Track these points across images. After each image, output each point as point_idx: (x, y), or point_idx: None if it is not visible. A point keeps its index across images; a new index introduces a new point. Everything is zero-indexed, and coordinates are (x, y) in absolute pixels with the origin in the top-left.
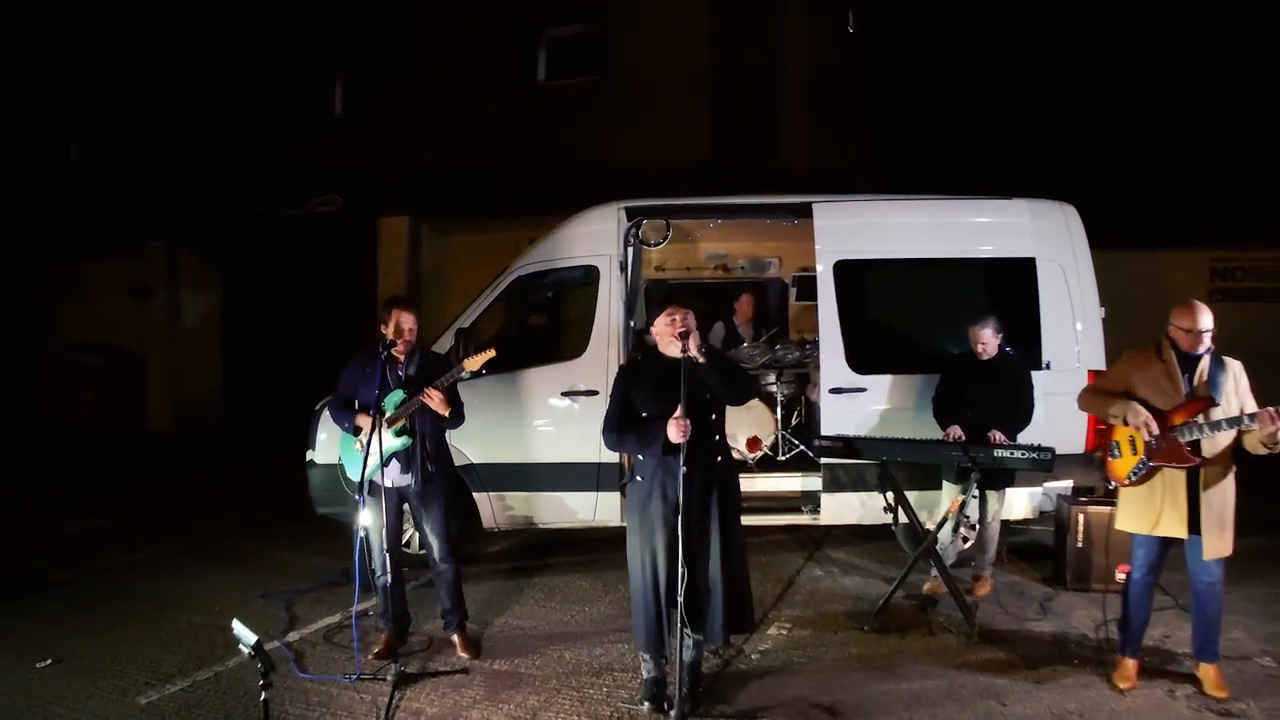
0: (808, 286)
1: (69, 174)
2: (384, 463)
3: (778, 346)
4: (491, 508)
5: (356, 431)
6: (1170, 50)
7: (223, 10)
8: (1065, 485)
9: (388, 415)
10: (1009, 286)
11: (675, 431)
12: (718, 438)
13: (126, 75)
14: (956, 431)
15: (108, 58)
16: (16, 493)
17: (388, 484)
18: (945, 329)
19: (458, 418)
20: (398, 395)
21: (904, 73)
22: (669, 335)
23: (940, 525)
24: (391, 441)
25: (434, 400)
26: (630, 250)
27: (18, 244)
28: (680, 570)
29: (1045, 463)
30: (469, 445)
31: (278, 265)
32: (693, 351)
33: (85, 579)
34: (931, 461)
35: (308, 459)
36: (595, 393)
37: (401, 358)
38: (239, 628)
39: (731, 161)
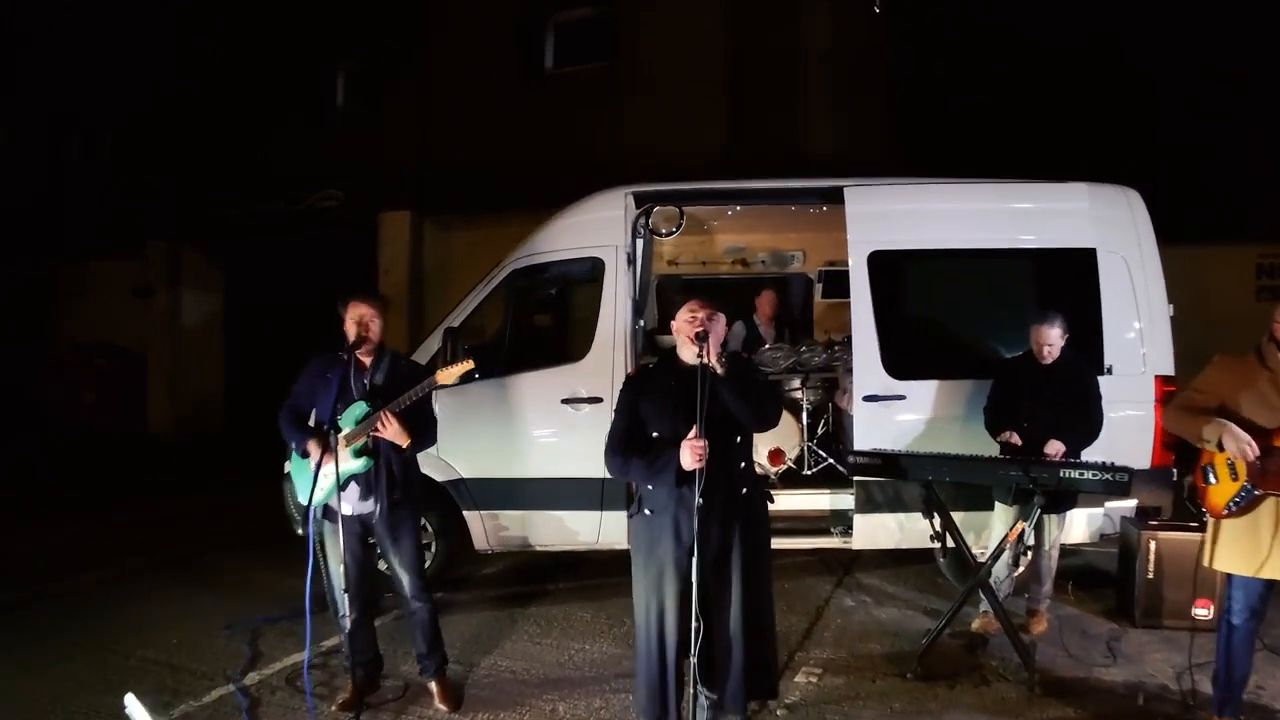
0: (835, 282)
1: (71, 173)
2: (341, 486)
3: (803, 348)
4: (483, 527)
5: (306, 455)
6: (1211, 34)
7: (223, 6)
8: (1129, 505)
9: (345, 433)
10: (1067, 281)
11: (689, 457)
12: (743, 464)
13: (127, 73)
14: (1013, 438)
15: (108, 55)
16: (11, 495)
17: (346, 511)
18: (995, 329)
19: (422, 441)
20: (360, 408)
21: (933, 54)
22: (685, 335)
23: (995, 556)
24: (349, 463)
25: (388, 429)
26: (639, 241)
27: (20, 244)
28: (695, 623)
29: (1122, 485)
30: (458, 459)
31: (280, 263)
32: (710, 359)
33: (48, 600)
34: (986, 482)
35: (285, 470)
36: (599, 400)
37: (367, 363)
38: (132, 705)
39: (751, 151)
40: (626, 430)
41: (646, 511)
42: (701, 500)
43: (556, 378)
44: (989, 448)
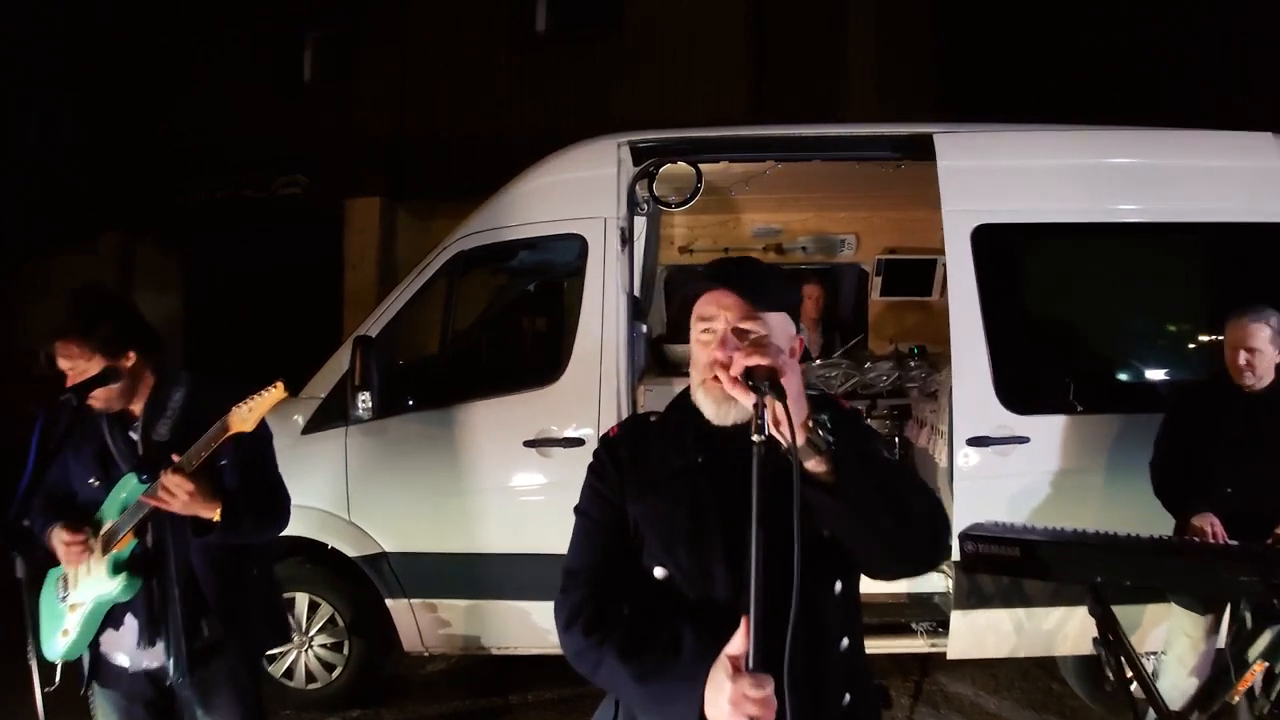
0: (897, 275)
1: (29, 163)
2: (102, 624)
3: (867, 365)
4: (415, 622)
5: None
6: None
7: None
8: None
9: (104, 530)
10: (1256, 268)
11: (734, 708)
12: (846, 640)
13: (76, 47)
14: (1212, 525)
15: (55, 28)
16: None
17: (122, 663)
18: (1161, 339)
19: (253, 522)
20: (129, 486)
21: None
22: (712, 373)
23: (1209, 711)
24: (107, 584)
25: (175, 497)
26: (639, 213)
27: None
28: None
29: None
30: (377, 525)
31: (244, 258)
32: (788, 431)
33: None
34: (1198, 591)
35: None
36: (579, 443)
37: (137, 410)
38: None
39: (777, 123)
40: (598, 570)
41: None
42: None
43: (518, 409)
44: (1160, 518)
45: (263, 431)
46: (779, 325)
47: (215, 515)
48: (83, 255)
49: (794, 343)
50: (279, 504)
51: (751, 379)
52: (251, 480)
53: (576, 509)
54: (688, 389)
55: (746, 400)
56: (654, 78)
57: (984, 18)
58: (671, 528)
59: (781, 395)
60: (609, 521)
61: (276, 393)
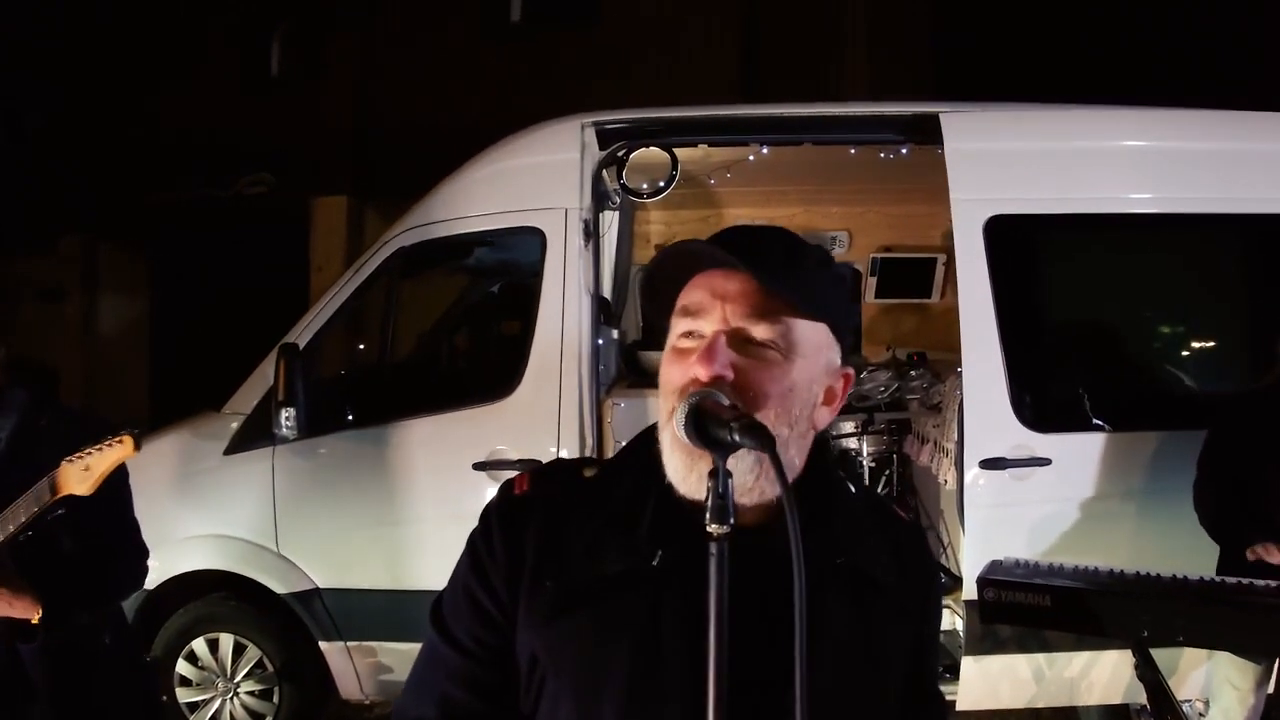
0: (893, 275)
1: None
2: None
3: (862, 375)
4: (354, 667)
5: None
6: None
7: None
8: None
9: None
10: None
11: None
12: None
13: (33, 42)
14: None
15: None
16: None
17: None
18: (1204, 347)
19: (92, 602)
20: None
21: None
22: (677, 437)
23: None
24: None
25: None
26: (608, 205)
27: None
28: None
29: None
30: (309, 558)
31: (211, 261)
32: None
33: None
34: (1264, 648)
35: None
36: (535, 464)
37: None
38: None
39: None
40: (443, 694)
41: None
42: None
43: (467, 427)
44: (1203, 553)
45: (116, 473)
46: (813, 343)
47: (34, 617)
48: (41, 258)
49: (836, 380)
50: (129, 569)
51: (701, 421)
52: (94, 540)
53: (433, 614)
54: (652, 428)
55: (691, 461)
56: (638, 72)
57: (984, 18)
58: (598, 673)
59: (769, 445)
60: (483, 648)
61: (122, 449)
